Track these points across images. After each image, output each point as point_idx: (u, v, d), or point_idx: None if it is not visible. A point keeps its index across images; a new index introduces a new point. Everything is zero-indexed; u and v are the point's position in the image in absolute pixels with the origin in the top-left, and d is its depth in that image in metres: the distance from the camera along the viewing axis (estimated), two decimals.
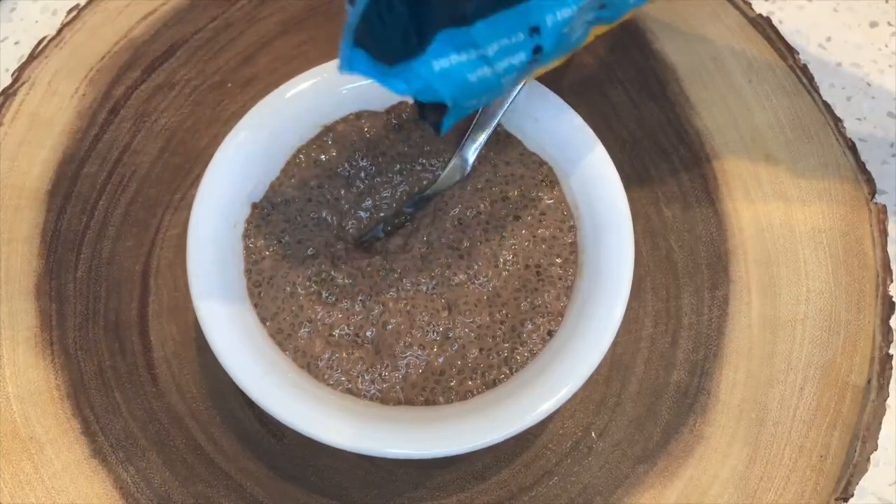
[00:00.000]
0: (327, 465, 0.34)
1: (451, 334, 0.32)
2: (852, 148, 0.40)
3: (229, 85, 0.42)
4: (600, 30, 0.31)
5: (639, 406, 0.35)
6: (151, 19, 0.43)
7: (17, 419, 0.34)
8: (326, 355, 0.32)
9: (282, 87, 0.34)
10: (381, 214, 0.35)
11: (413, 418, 0.30)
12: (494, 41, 0.25)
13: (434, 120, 0.28)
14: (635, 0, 0.30)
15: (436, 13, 0.23)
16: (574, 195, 0.34)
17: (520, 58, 0.26)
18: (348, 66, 0.24)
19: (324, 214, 0.34)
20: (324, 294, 0.32)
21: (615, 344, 0.32)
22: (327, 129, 0.35)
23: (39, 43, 0.42)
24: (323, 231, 0.34)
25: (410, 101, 0.35)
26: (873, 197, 0.39)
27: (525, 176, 0.35)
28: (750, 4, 0.44)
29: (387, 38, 0.24)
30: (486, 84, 0.26)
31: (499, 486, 0.34)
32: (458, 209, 0.34)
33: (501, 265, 0.33)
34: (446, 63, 0.25)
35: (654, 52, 0.43)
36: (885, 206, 0.39)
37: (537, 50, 0.26)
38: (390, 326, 0.32)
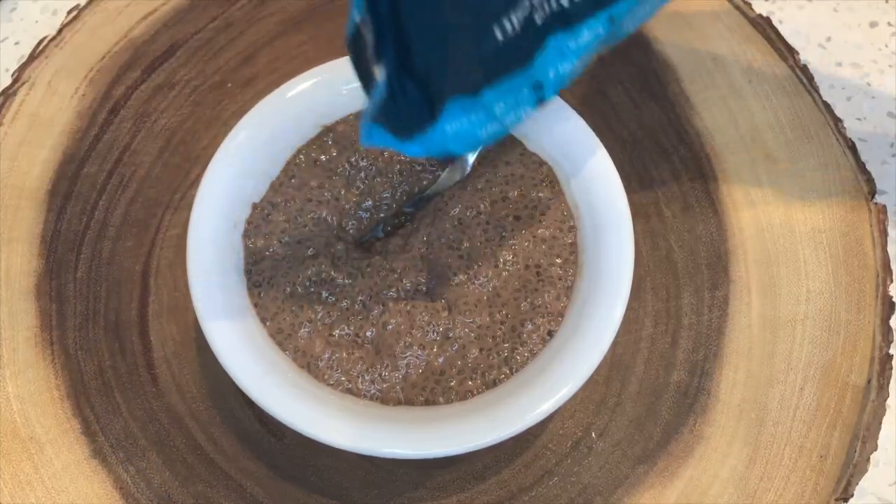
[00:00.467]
0: (327, 465, 0.34)
1: (451, 334, 0.32)
2: (852, 148, 0.40)
3: (229, 85, 0.42)
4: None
5: (639, 406, 0.35)
6: (151, 19, 0.43)
7: (17, 419, 0.34)
8: (326, 355, 0.32)
9: (282, 87, 0.34)
10: (381, 214, 0.35)
11: (413, 418, 0.30)
12: (501, 101, 0.26)
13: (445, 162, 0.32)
14: (634, 25, 0.31)
15: (446, 88, 0.25)
16: (574, 195, 0.34)
17: (525, 109, 0.27)
18: (368, 141, 0.26)
19: (324, 214, 0.34)
20: (324, 294, 0.32)
21: (615, 344, 0.32)
22: (327, 129, 0.35)
23: (39, 43, 0.42)
24: (323, 231, 0.34)
25: None
26: (873, 197, 0.39)
27: (525, 176, 0.35)
28: (750, 4, 0.44)
29: (402, 118, 0.25)
30: (494, 135, 0.28)
31: (499, 486, 0.34)
32: (458, 209, 0.34)
33: (501, 265, 0.33)
34: (457, 125, 0.26)
35: (654, 52, 0.43)
36: (885, 206, 0.39)
37: (541, 100, 0.27)
38: (390, 326, 0.32)
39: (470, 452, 0.29)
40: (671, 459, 0.34)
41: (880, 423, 0.35)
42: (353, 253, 0.34)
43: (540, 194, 0.34)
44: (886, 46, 0.50)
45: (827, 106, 0.41)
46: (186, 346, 0.36)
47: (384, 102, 0.24)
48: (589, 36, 0.27)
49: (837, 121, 0.41)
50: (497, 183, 0.35)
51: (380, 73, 0.24)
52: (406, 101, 0.25)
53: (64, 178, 0.39)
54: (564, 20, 0.26)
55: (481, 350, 0.32)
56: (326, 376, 0.31)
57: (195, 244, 0.31)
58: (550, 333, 0.32)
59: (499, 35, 0.24)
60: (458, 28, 0.24)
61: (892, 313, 0.37)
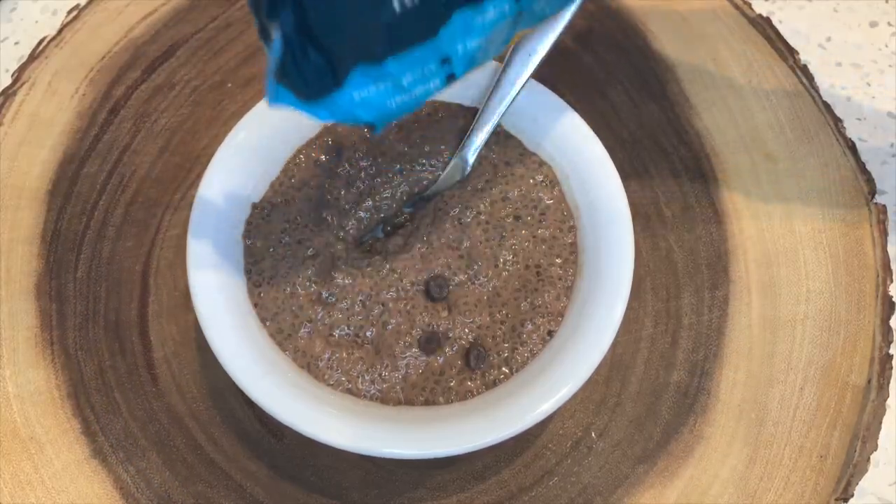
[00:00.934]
0: (327, 465, 0.34)
1: (451, 334, 0.32)
2: (852, 148, 0.40)
3: (229, 85, 0.42)
4: (524, 31, 0.32)
5: (639, 406, 0.35)
6: (151, 19, 0.43)
7: (17, 419, 0.34)
8: (326, 355, 0.32)
9: None
10: (381, 214, 0.35)
11: (413, 418, 0.30)
12: (408, 72, 0.26)
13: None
14: (552, 9, 0.30)
15: (347, 54, 0.25)
16: (574, 195, 0.34)
17: (434, 84, 0.27)
18: (274, 100, 0.26)
19: (324, 214, 0.34)
20: (324, 294, 0.32)
21: (615, 344, 0.32)
22: (327, 129, 0.35)
23: (39, 43, 0.42)
24: (323, 231, 0.34)
25: None
26: (873, 197, 0.39)
27: (525, 176, 0.35)
28: (750, 4, 0.44)
29: (304, 79, 0.25)
30: (405, 107, 0.27)
31: (499, 486, 0.34)
32: (458, 209, 0.34)
33: (501, 265, 0.33)
34: (365, 93, 0.26)
35: (654, 52, 0.43)
36: (885, 206, 0.39)
37: (450, 76, 0.27)
38: (390, 326, 0.32)
39: (470, 452, 0.29)
40: (671, 459, 0.34)
41: (880, 423, 0.35)
42: (353, 253, 0.34)
43: (540, 194, 0.34)
44: (886, 46, 0.50)
45: (827, 106, 0.41)
46: (186, 346, 0.36)
47: (282, 62, 0.24)
48: (494, 13, 0.27)
49: (837, 121, 0.41)
50: (497, 183, 0.35)
51: (275, 32, 0.23)
52: (308, 65, 0.25)
53: (64, 178, 0.39)
54: None
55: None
56: (326, 376, 0.31)
57: (195, 244, 0.31)
58: (550, 333, 0.32)
59: (396, 5, 0.24)
60: None
61: (892, 313, 0.37)
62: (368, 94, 0.26)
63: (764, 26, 0.43)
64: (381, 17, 0.24)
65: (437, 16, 0.26)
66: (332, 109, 0.26)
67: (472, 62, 0.27)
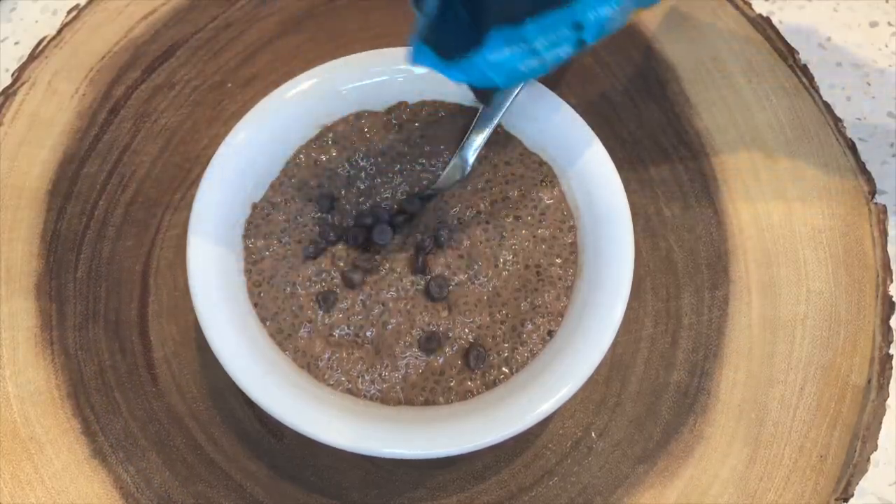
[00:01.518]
0: (327, 465, 0.34)
1: (451, 334, 0.32)
2: (852, 148, 0.40)
3: (229, 85, 0.42)
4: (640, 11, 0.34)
5: (639, 406, 0.35)
6: (151, 19, 0.43)
7: (17, 419, 0.34)
8: (326, 355, 0.32)
9: (282, 87, 0.34)
10: (382, 214, 0.35)
11: (413, 418, 0.30)
12: (542, 37, 0.28)
13: (484, 96, 0.33)
14: None
15: (491, 14, 0.27)
16: (574, 195, 0.34)
17: (565, 49, 0.29)
18: (416, 60, 0.28)
19: (324, 214, 0.34)
20: (324, 294, 0.32)
21: (615, 344, 0.32)
22: (327, 129, 0.35)
23: (39, 43, 0.42)
24: (323, 231, 0.34)
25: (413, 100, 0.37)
26: (873, 197, 0.39)
27: (525, 176, 0.35)
28: (750, 4, 0.44)
29: (449, 38, 0.28)
30: (533, 71, 0.29)
31: (499, 486, 0.34)
32: (458, 209, 0.34)
33: (501, 265, 0.33)
34: (500, 56, 0.28)
35: (654, 52, 0.43)
36: (885, 206, 0.39)
37: (581, 42, 0.29)
38: (390, 326, 0.32)
39: (470, 452, 0.29)
40: (671, 459, 0.34)
41: (880, 423, 0.35)
42: (353, 253, 0.34)
43: (540, 194, 0.34)
44: (886, 46, 0.50)
45: (827, 106, 0.41)
46: (186, 346, 0.36)
47: (434, 19, 0.26)
48: None
49: (837, 121, 0.41)
50: (497, 183, 0.35)
51: None
52: (454, 23, 0.27)
53: (64, 178, 0.39)
54: None
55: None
56: (326, 376, 0.31)
57: (195, 244, 0.31)
58: (550, 333, 0.32)
59: None
60: None
61: (892, 313, 0.37)
62: (502, 56, 0.28)
63: (764, 26, 0.43)
64: None
65: None
66: (466, 70, 0.29)
67: (601, 30, 0.29)
